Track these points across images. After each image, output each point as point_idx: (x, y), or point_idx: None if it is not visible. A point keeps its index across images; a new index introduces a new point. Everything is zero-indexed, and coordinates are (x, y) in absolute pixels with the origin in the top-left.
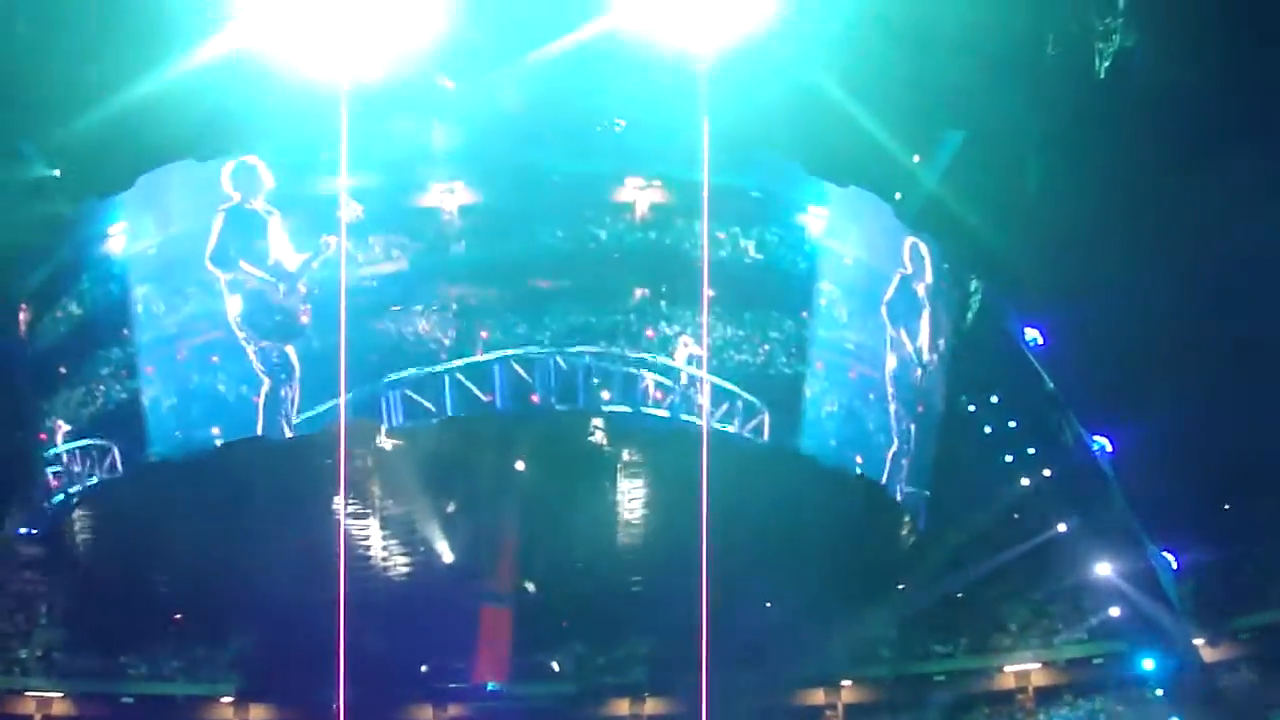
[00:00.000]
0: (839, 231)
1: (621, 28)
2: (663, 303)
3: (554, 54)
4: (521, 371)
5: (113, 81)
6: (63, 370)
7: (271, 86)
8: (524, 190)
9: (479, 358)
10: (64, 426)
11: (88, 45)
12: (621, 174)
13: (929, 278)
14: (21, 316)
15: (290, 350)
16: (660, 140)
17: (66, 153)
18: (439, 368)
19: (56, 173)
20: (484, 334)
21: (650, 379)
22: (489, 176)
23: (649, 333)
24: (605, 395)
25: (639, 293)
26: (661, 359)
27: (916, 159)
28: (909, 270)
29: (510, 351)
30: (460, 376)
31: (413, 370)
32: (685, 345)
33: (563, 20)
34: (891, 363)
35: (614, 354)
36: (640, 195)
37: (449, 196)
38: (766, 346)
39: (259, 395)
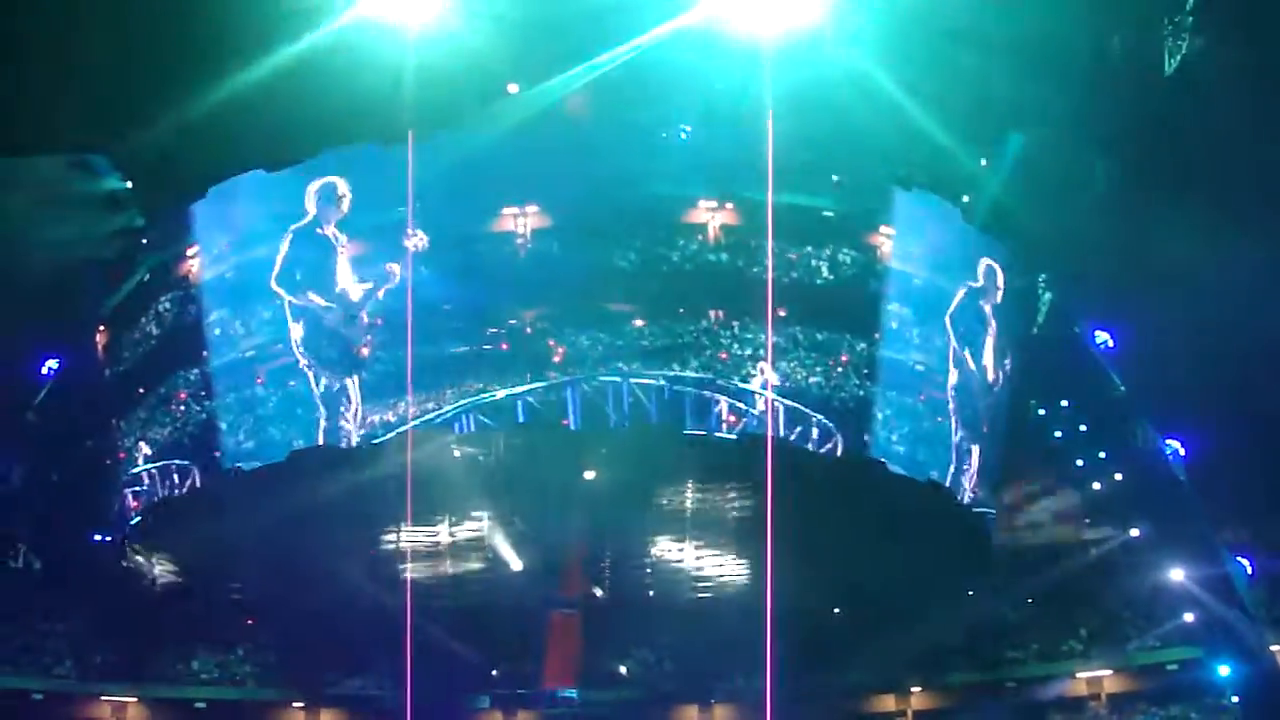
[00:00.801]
0: (910, 247)
1: (686, 30)
2: (736, 325)
3: (618, 59)
4: (595, 395)
5: (181, 93)
6: (142, 390)
7: (337, 97)
8: (596, 213)
9: (552, 380)
10: (145, 448)
11: (156, 57)
12: (694, 195)
13: (998, 296)
14: (99, 337)
15: (351, 383)
16: (728, 152)
17: (137, 165)
18: (513, 390)
19: (128, 184)
20: (557, 358)
21: (725, 402)
22: (561, 199)
23: (723, 355)
24: (679, 419)
25: (713, 314)
26: (735, 382)
27: (983, 162)
28: (979, 284)
29: (583, 375)
30: (532, 400)
31: (486, 395)
32: (763, 372)
33: (626, 25)
34: (954, 378)
35: (688, 377)
36: (713, 216)
37: (522, 220)
38: (840, 369)
39: (320, 424)
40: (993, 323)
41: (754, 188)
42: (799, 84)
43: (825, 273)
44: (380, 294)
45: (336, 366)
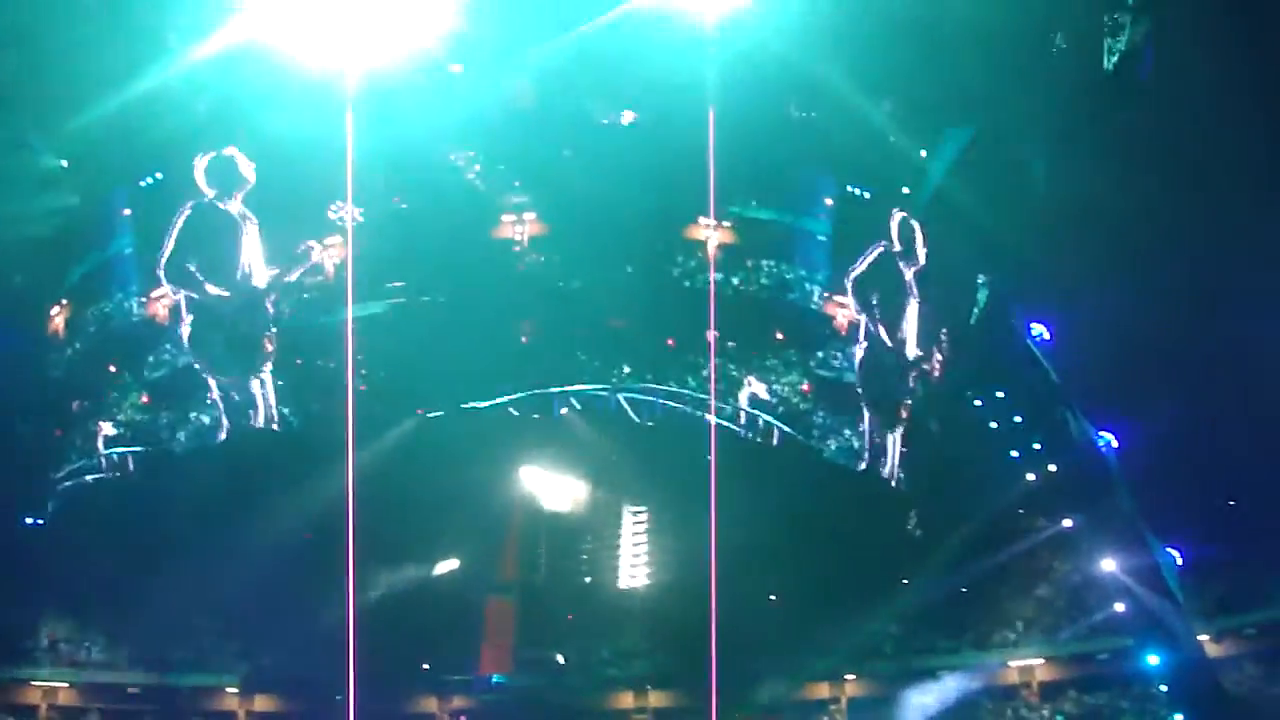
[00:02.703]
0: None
1: (627, 22)
2: (730, 344)
3: (561, 47)
4: (577, 406)
5: (120, 73)
6: (114, 370)
7: (281, 79)
8: (595, 222)
9: (539, 391)
10: (108, 429)
11: (94, 38)
12: (693, 211)
13: (920, 259)
14: (58, 314)
15: (257, 384)
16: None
17: (74, 144)
18: (500, 400)
19: (64, 163)
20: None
21: (713, 421)
22: (559, 207)
23: (714, 373)
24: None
25: (708, 335)
26: (731, 404)
27: (923, 154)
28: (895, 245)
29: (576, 388)
30: (512, 410)
31: (475, 403)
32: (749, 385)
33: (570, 14)
34: (860, 353)
35: (680, 394)
36: (711, 234)
37: (520, 228)
38: (808, 386)
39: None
40: (915, 293)
41: (752, 206)
42: (741, 75)
43: (817, 298)
44: (293, 277)
45: (234, 366)
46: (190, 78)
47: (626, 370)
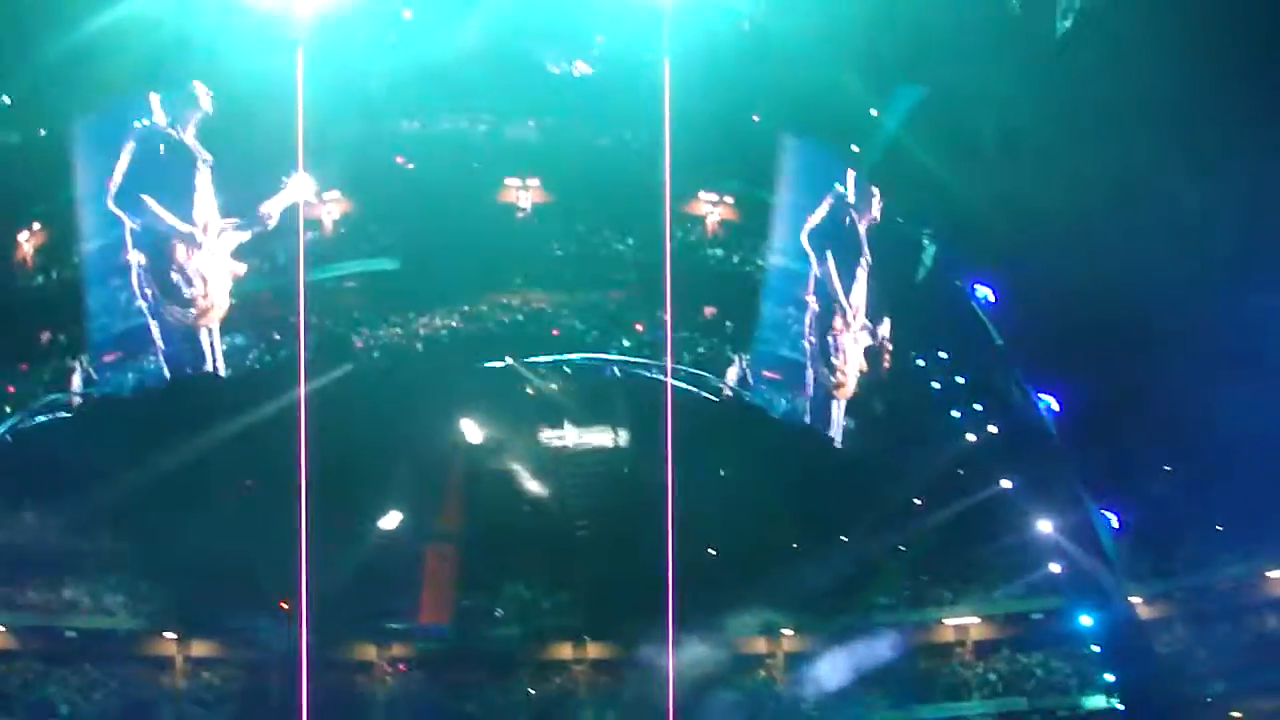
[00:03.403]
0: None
1: None
2: (728, 323)
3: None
4: (569, 372)
5: (66, 10)
6: (92, 304)
7: (235, 19)
8: (595, 192)
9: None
10: (85, 367)
11: None
12: (694, 186)
13: (875, 214)
14: (25, 238)
15: (206, 340)
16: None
17: (19, 80)
18: (492, 364)
19: (6, 100)
20: (555, 331)
21: (704, 396)
22: (560, 176)
23: (710, 351)
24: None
25: (708, 311)
26: (725, 382)
27: (874, 113)
28: (851, 199)
29: (571, 357)
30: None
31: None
32: (737, 362)
33: None
34: (814, 308)
35: (680, 371)
36: (712, 210)
37: (524, 193)
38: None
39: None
40: (867, 255)
41: (753, 184)
42: (694, 31)
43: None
44: (247, 236)
45: (189, 305)
46: (139, 14)
47: (626, 344)
